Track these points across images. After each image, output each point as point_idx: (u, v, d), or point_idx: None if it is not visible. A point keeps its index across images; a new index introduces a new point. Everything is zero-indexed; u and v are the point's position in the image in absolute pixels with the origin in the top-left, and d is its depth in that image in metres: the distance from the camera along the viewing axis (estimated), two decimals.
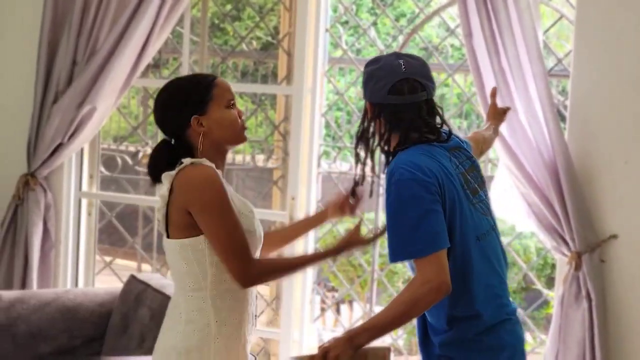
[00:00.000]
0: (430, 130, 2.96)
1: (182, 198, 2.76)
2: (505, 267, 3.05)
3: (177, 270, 2.84)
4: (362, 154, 3.01)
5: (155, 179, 2.86)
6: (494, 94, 3.81)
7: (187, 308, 2.81)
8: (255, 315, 2.96)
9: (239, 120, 2.87)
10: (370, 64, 3.01)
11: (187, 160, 2.78)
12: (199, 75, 2.94)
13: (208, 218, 2.74)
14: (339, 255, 2.97)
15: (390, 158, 2.93)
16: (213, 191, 2.75)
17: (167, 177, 2.79)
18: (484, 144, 3.54)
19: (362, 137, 2.99)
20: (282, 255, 3.22)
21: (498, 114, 3.76)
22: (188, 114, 2.81)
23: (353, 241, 2.92)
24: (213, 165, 2.81)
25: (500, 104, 3.99)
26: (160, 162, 2.85)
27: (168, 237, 2.84)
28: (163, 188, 2.80)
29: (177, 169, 2.78)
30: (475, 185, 2.98)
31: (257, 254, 2.89)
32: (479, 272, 2.91)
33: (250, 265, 2.77)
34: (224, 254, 2.75)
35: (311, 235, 4.86)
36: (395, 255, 2.83)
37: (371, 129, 2.97)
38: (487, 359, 2.94)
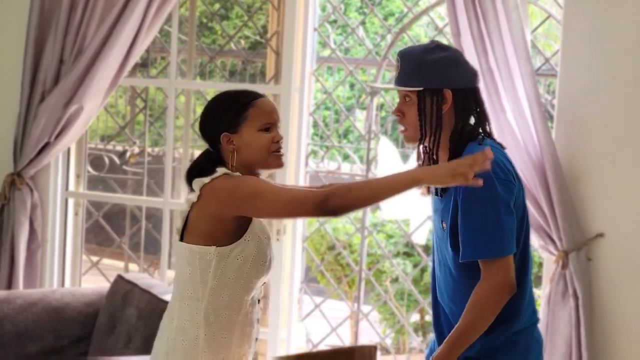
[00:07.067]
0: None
1: (212, 204, 2.75)
2: None
3: (180, 275, 2.85)
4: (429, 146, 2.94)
5: (190, 184, 2.87)
6: None
7: (180, 315, 2.82)
8: (256, 338, 2.97)
9: (272, 145, 2.83)
10: (442, 49, 2.94)
11: (221, 170, 2.79)
12: (243, 93, 2.90)
13: (252, 206, 2.72)
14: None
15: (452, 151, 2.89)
16: (245, 183, 2.73)
17: (198, 183, 2.79)
18: None
19: (437, 129, 2.89)
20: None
21: None
22: (219, 130, 2.82)
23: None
24: None
25: (488, 103, 4.00)
26: (196, 169, 2.86)
27: (181, 239, 2.84)
28: (193, 194, 2.80)
29: (210, 178, 2.77)
30: None
31: (261, 282, 2.89)
32: (528, 273, 2.94)
33: (315, 199, 2.64)
34: (293, 214, 2.80)
35: (299, 234, 4.87)
36: (472, 253, 2.80)
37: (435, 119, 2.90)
38: (520, 358, 2.96)
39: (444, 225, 2.91)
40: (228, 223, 2.77)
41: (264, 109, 2.85)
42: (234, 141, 2.82)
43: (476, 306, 2.80)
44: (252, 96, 2.87)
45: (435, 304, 3.09)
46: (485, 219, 2.78)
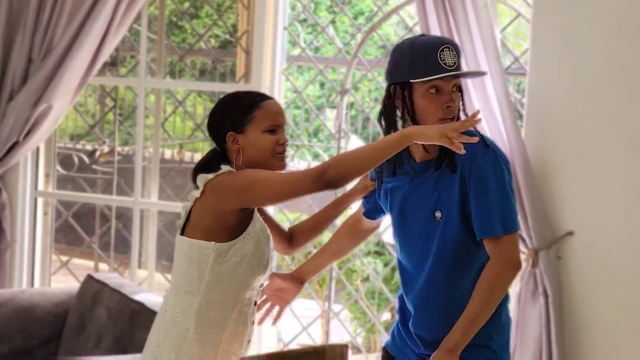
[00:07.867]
0: None
1: (214, 199, 2.80)
2: None
3: (178, 269, 2.89)
4: None
5: (195, 181, 2.91)
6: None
7: (173, 308, 2.87)
8: (249, 340, 2.96)
9: (277, 147, 2.88)
10: None
11: (225, 167, 2.84)
12: (251, 94, 2.96)
13: (253, 194, 2.76)
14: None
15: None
16: (244, 174, 2.79)
17: (202, 179, 2.83)
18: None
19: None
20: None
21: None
22: (226, 129, 2.87)
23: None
24: None
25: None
26: (202, 166, 2.92)
27: (182, 233, 2.88)
28: (197, 190, 2.84)
29: (214, 174, 2.82)
30: None
31: (259, 282, 2.92)
32: None
33: (312, 174, 2.70)
34: (295, 193, 2.74)
35: None
36: (490, 229, 2.85)
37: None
38: (507, 336, 3.04)
39: (438, 214, 2.93)
40: (229, 218, 2.81)
41: (270, 110, 2.90)
42: (239, 141, 2.87)
43: (493, 284, 2.84)
44: (259, 97, 2.93)
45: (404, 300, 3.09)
46: (499, 196, 2.87)
